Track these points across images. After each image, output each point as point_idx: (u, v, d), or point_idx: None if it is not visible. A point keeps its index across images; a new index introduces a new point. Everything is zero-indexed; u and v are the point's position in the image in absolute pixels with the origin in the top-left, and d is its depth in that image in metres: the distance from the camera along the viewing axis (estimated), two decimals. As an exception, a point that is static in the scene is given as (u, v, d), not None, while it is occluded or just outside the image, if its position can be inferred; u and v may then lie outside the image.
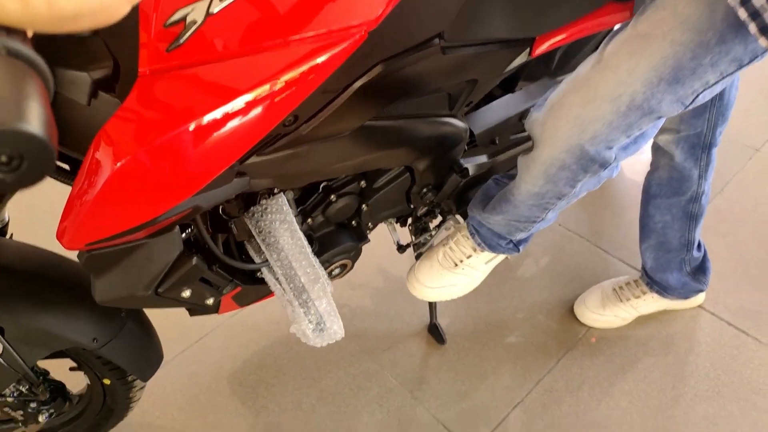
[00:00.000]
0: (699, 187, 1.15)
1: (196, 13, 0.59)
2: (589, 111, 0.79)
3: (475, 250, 1.10)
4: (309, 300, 0.85)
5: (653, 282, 1.30)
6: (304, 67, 0.62)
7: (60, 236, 0.65)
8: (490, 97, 1.15)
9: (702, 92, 0.75)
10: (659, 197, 1.19)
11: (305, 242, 0.85)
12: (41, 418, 0.97)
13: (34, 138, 0.28)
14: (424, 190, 1.08)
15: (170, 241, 0.74)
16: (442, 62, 0.82)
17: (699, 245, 1.26)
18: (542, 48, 0.94)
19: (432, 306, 1.37)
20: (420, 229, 1.22)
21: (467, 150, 1.09)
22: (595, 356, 1.33)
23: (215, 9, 0.59)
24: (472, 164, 1.10)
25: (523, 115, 1.14)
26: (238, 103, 0.60)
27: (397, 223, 1.21)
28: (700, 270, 1.29)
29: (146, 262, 0.73)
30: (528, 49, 0.93)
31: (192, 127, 0.59)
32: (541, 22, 0.91)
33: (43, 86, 0.33)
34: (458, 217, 1.21)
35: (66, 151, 0.68)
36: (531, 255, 1.56)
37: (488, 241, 1.07)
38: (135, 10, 0.59)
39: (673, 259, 1.25)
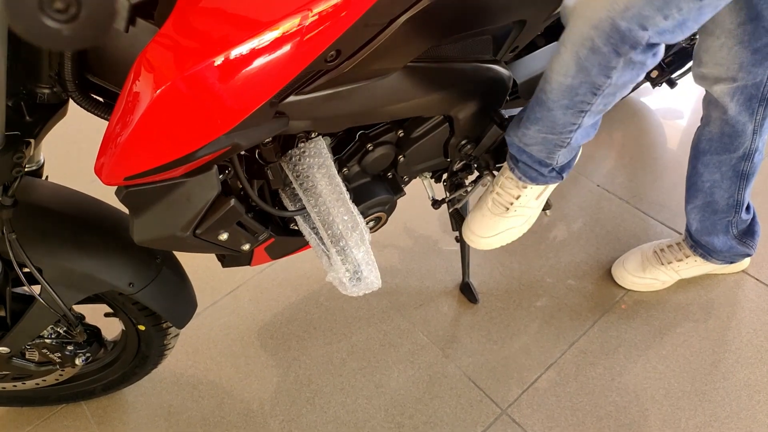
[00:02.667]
0: (753, 143, 1.08)
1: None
2: None
3: (520, 189, 1.06)
4: (347, 247, 0.83)
5: (698, 245, 1.25)
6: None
7: (98, 171, 0.64)
8: (533, 47, 1.09)
9: None
10: (709, 153, 1.12)
11: (343, 188, 0.82)
12: (78, 361, 0.98)
13: None
14: (463, 141, 1.05)
15: (208, 181, 0.72)
16: None
17: (748, 207, 1.20)
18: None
19: (465, 264, 1.34)
20: (455, 184, 1.19)
21: (509, 101, 1.05)
22: (633, 319, 1.29)
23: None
24: (513, 115, 1.06)
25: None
26: (274, 33, 0.57)
27: (432, 178, 1.17)
28: (748, 233, 1.23)
29: (184, 202, 0.72)
30: None
31: (230, 55, 0.56)
32: None
33: None
34: (495, 172, 1.17)
35: (101, 83, 0.66)
36: (568, 216, 1.52)
37: (530, 172, 1.02)
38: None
39: (719, 221, 1.19)
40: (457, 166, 1.14)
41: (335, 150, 0.94)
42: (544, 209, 1.16)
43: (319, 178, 0.80)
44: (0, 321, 0.92)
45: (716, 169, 1.12)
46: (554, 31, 1.08)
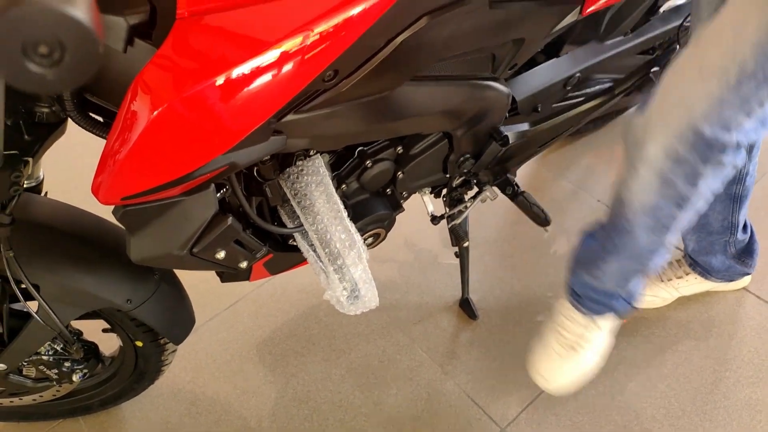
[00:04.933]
0: (743, 168, 1.08)
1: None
2: (696, 90, 0.70)
3: (586, 326, 1.01)
4: (344, 266, 0.83)
5: (696, 263, 1.25)
6: (340, 19, 0.59)
7: (95, 191, 0.64)
8: (533, 63, 1.10)
9: None
10: None
11: (341, 206, 0.82)
12: (75, 378, 0.98)
13: (76, 23, 0.24)
14: (462, 158, 1.05)
15: (206, 200, 0.72)
16: (488, 17, 0.77)
17: (745, 227, 1.20)
18: (594, 6, 0.89)
19: (464, 281, 1.34)
20: (455, 200, 1.19)
21: (508, 117, 1.05)
22: (633, 336, 1.28)
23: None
24: (512, 132, 1.06)
25: (567, 81, 1.09)
26: (274, 54, 0.57)
27: (431, 194, 1.17)
28: (746, 252, 1.22)
29: (182, 220, 0.72)
30: (579, 7, 0.88)
31: (228, 76, 0.56)
32: None
33: None
34: (495, 189, 1.17)
35: (100, 102, 0.66)
36: (567, 231, 1.51)
37: (597, 307, 0.98)
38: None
39: (716, 242, 1.19)
40: (456, 182, 1.14)
41: (334, 166, 0.94)
42: (543, 226, 1.16)
43: (317, 196, 0.80)
44: (-4, 338, 0.92)
45: None
46: (554, 47, 1.09)
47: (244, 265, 0.86)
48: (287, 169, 0.83)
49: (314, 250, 0.88)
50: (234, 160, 0.66)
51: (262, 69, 0.58)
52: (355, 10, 0.60)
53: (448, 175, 1.07)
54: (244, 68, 0.57)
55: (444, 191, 1.16)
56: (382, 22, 0.64)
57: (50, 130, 0.70)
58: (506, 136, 1.03)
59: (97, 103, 0.68)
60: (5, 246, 0.74)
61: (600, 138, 1.73)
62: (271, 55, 0.58)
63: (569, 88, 1.11)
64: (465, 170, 1.07)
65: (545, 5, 0.84)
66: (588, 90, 1.18)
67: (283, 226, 0.89)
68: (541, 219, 1.16)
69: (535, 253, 1.46)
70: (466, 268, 1.32)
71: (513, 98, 1.01)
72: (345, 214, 0.83)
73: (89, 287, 0.85)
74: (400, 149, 0.96)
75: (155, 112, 0.54)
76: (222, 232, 0.77)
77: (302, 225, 0.86)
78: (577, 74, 1.09)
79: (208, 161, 0.62)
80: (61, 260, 0.84)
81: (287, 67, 0.59)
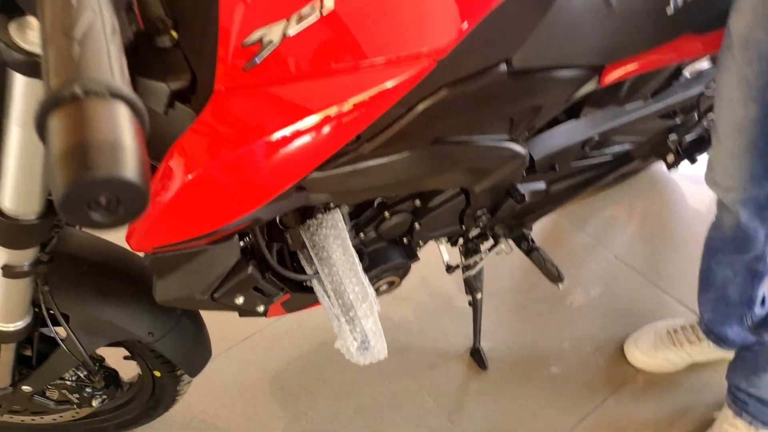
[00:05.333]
0: (765, 245, 1.08)
1: (273, 34, 0.61)
2: None
3: None
4: (356, 317, 0.86)
5: (711, 332, 1.24)
6: (373, 92, 0.63)
7: (128, 237, 0.68)
8: (552, 122, 1.13)
9: None
10: (721, 253, 1.12)
11: (357, 260, 0.86)
12: (95, 403, 1.02)
13: (131, 185, 0.30)
14: (479, 212, 1.08)
15: (229, 249, 0.76)
16: (507, 87, 0.81)
17: (764, 301, 1.19)
18: (612, 77, 0.92)
19: (476, 330, 1.35)
20: (471, 250, 1.21)
21: (525, 175, 1.08)
22: (644, 400, 1.27)
23: (291, 31, 0.61)
24: (528, 190, 1.08)
25: (585, 143, 1.12)
26: (308, 123, 0.62)
27: (447, 242, 1.20)
28: (764, 325, 1.21)
29: (206, 268, 0.76)
30: (597, 78, 0.91)
31: (262, 144, 0.61)
32: (612, 51, 0.89)
33: (141, 128, 0.34)
34: (511, 243, 1.19)
35: None
36: (582, 285, 1.52)
37: (759, 415, 0.99)
38: (215, 25, 0.61)
39: (733, 313, 1.18)
40: (472, 234, 1.17)
41: (353, 214, 0.98)
42: (555, 282, 1.17)
43: (334, 248, 0.84)
44: (26, 360, 0.97)
45: (728, 267, 1.12)
46: (573, 108, 1.12)
47: (261, 309, 0.90)
48: (307, 221, 0.87)
49: (329, 298, 0.91)
50: (259, 215, 0.71)
51: (295, 137, 0.62)
52: (390, 84, 0.64)
53: (464, 228, 1.10)
54: (278, 136, 0.61)
55: (460, 241, 1.19)
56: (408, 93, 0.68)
57: None
58: (523, 194, 1.05)
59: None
60: (42, 281, 0.79)
61: (620, 191, 1.74)
62: (304, 124, 0.62)
63: (587, 148, 1.13)
64: (481, 224, 1.10)
65: (563, 76, 0.87)
66: (606, 151, 1.20)
67: (302, 270, 0.93)
68: (554, 276, 1.17)
69: (549, 304, 1.46)
70: (478, 318, 1.33)
71: (531, 157, 1.04)
72: (360, 267, 0.86)
73: (115, 319, 0.90)
74: (417, 202, 1.00)
75: (190, 176, 0.59)
76: (242, 280, 0.81)
77: (319, 273, 0.89)
78: (596, 136, 1.12)
79: (237, 219, 0.66)
80: (91, 292, 0.89)
81: (317, 137, 0.63)
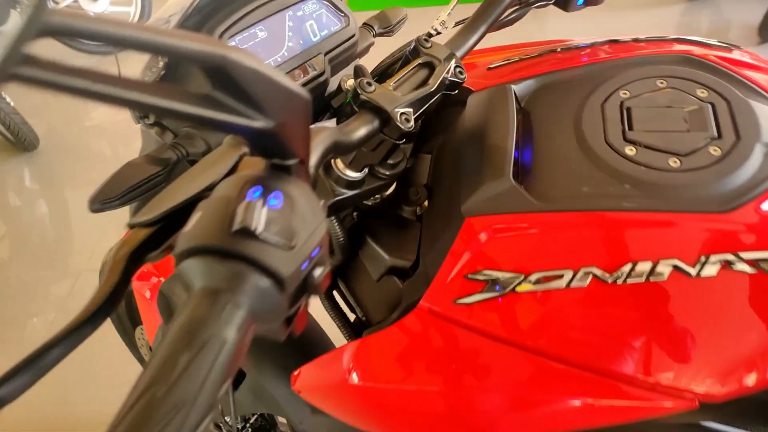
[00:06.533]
0: None
1: (500, 281, 0.51)
2: None
3: None
4: None
5: None
6: (606, 404, 0.48)
7: (293, 380, 0.68)
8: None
9: None
10: None
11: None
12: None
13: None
14: None
15: None
16: None
17: None
18: None
19: None
20: None
21: None
22: None
23: (521, 289, 0.50)
24: None
25: None
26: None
27: None
28: None
29: None
30: None
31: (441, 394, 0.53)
32: None
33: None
34: None
35: (347, 296, 0.70)
36: None
37: None
38: (449, 242, 0.54)
39: None
40: None
41: None
42: None
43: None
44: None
45: None
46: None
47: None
48: None
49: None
50: None
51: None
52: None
53: None
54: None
55: None
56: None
57: None
58: None
59: (343, 292, 0.72)
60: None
61: None
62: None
63: None
64: None
65: None
66: None
67: None
68: None
69: None
70: None
71: None
72: None
73: (280, 397, 0.93)
74: None
75: (357, 381, 0.55)
76: None
77: None
78: None
79: None
80: (272, 365, 0.93)
81: None
